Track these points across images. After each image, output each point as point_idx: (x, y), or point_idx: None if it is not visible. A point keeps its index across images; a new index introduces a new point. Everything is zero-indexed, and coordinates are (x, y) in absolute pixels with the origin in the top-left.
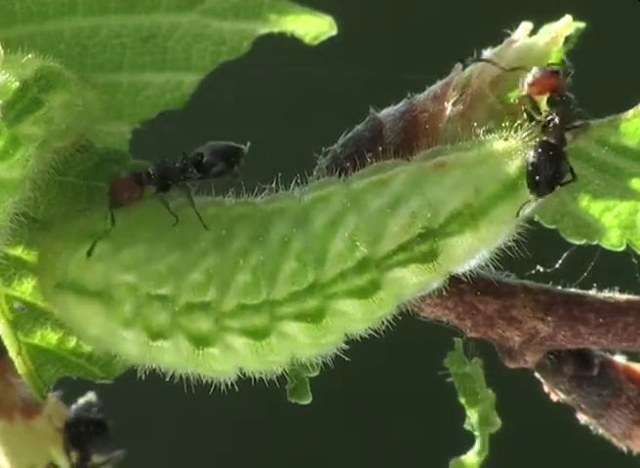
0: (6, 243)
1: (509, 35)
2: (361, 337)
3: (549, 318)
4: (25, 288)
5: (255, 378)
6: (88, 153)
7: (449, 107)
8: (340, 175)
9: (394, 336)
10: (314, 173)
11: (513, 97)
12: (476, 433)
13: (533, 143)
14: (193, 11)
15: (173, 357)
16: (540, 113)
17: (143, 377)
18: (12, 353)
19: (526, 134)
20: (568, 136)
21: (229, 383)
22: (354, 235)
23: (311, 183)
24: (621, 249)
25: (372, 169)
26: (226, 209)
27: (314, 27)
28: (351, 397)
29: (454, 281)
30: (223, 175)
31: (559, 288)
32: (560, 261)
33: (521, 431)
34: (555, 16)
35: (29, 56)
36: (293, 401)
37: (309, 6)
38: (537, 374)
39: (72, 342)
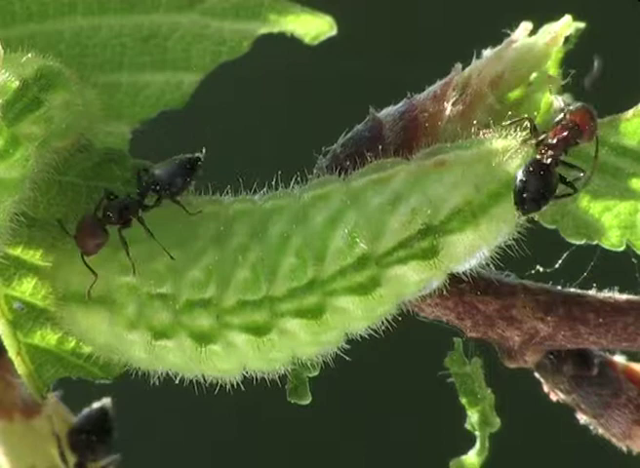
0: (6, 243)
1: (509, 35)
2: (361, 337)
3: (549, 318)
4: (25, 288)
5: (255, 380)
6: (88, 153)
7: (448, 107)
8: (339, 174)
9: (394, 336)
10: (314, 172)
11: (513, 97)
12: (476, 433)
13: (527, 153)
14: (193, 11)
15: (178, 357)
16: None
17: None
18: (11, 353)
19: (525, 133)
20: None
21: (229, 384)
22: (354, 232)
23: (311, 182)
24: (621, 249)
25: (372, 167)
26: (225, 207)
27: (314, 27)
28: (351, 397)
29: (454, 281)
30: (184, 189)
31: (559, 288)
32: (560, 261)
33: (521, 431)
34: (555, 16)
35: (29, 55)
36: (292, 401)
37: (309, 6)
38: (537, 374)
39: (72, 343)
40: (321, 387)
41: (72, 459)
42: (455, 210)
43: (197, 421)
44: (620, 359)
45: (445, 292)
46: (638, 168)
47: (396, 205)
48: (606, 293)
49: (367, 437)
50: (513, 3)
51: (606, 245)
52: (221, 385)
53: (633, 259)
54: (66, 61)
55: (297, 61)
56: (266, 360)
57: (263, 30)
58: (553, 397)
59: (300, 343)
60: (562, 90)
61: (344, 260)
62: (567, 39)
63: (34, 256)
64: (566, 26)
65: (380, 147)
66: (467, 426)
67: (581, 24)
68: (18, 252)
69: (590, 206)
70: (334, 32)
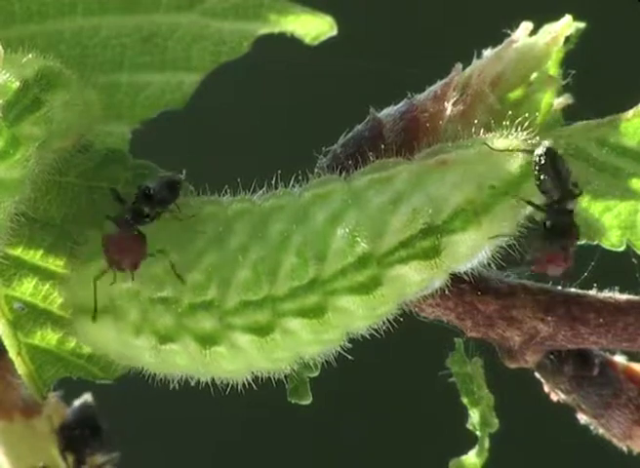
0: (6, 243)
1: (509, 35)
2: (361, 337)
3: (549, 318)
4: (25, 288)
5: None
6: (88, 153)
7: (449, 107)
8: (340, 174)
9: (394, 336)
10: (315, 172)
11: (513, 97)
12: (478, 433)
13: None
14: (193, 11)
15: (185, 359)
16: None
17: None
18: (12, 353)
19: (526, 133)
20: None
21: (229, 386)
22: (355, 231)
23: (311, 181)
24: (621, 249)
25: (373, 167)
26: (223, 207)
27: (314, 27)
28: (351, 397)
29: (455, 281)
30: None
31: (559, 288)
32: None
33: (521, 431)
34: (555, 16)
35: (30, 56)
36: (293, 401)
37: (309, 6)
38: (537, 374)
39: (72, 343)
40: (322, 388)
41: (71, 457)
42: (457, 209)
43: (202, 421)
44: (620, 359)
45: (446, 292)
46: (638, 168)
47: (397, 204)
48: (606, 294)
49: (367, 437)
50: (513, 3)
51: (606, 245)
52: (227, 386)
53: (633, 259)
54: (67, 62)
55: (297, 61)
56: (271, 360)
57: (263, 30)
58: (554, 397)
59: (302, 343)
60: (562, 90)
61: (345, 260)
62: (567, 39)
63: (34, 257)
64: (566, 26)
65: (381, 147)
66: (468, 426)
67: (581, 24)
68: (18, 252)
69: (590, 206)
70: (334, 32)
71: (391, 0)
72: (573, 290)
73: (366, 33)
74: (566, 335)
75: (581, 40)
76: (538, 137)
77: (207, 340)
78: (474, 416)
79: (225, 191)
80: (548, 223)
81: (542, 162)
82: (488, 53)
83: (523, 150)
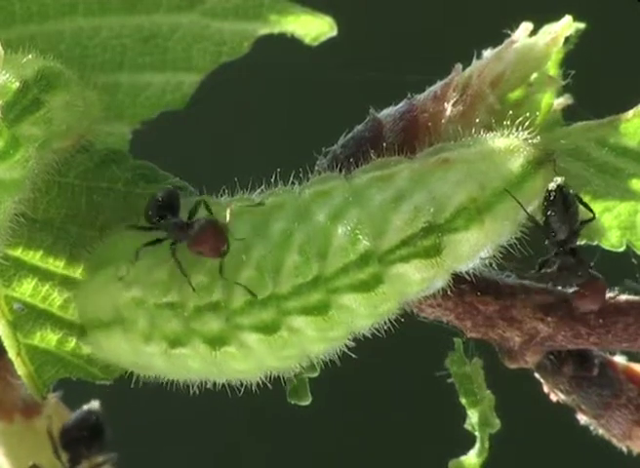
0: (6, 243)
1: (510, 36)
2: (364, 336)
3: (549, 318)
4: (25, 288)
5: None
6: (88, 154)
7: (449, 108)
8: (340, 173)
9: (394, 336)
10: (314, 173)
11: (514, 97)
12: (477, 433)
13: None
14: (194, 11)
15: (196, 362)
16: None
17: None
18: (11, 354)
19: (527, 132)
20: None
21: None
22: (357, 228)
23: (312, 179)
24: (621, 249)
25: (374, 165)
26: (222, 207)
27: (314, 28)
28: (351, 397)
29: (455, 281)
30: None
31: (559, 288)
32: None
33: (521, 431)
34: (555, 16)
35: (30, 56)
36: (292, 402)
37: (309, 6)
38: (537, 375)
39: (72, 343)
40: (322, 388)
41: (65, 456)
42: (459, 207)
43: (207, 422)
44: (620, 359)
45: (449, 292)
46: (638, 168)
47: (399, 202)
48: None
49: (367, 437)
50: (513, 3)
51: (606, 245)
52: (232, 387)
53: (633, 260)
54: (67, 62)
55: (297, 62)
56: (280, 358)
57: (264, 31)
58: (553, 397)
59: (308, 340)
60: (562, 90)
61: (347, 257)
62: (567, 39)
63: (34, 257)
64: (566, 27)
65: (381, 148)
66: (467, 426)
67: (581, 25)
68: (18, 252)
69: (590, 206)
70: (334, 33)
71: (391, 0)
72: (573, 290)
73: (366, 33)
74: (566, 336)
75: (581, 40)
76: (538, 137)
77: (216, 341)
78: (473, 417)
79: (224, 191)
80: (558, 264)
81: (553, 198)
82: (488, 53)
83: (539, 156)
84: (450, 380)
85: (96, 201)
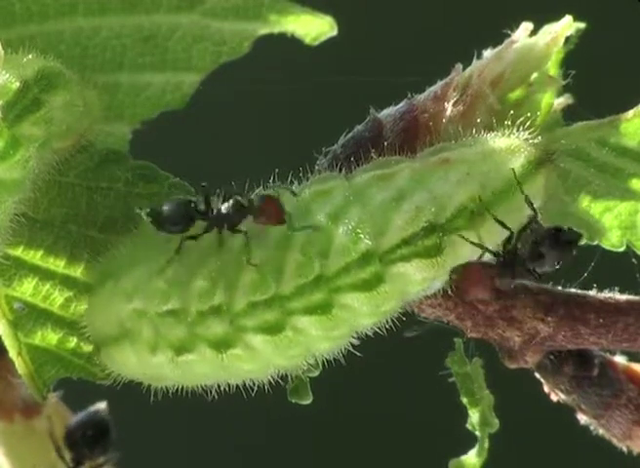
0: (6, 243)
1: (510, 36)
2: (366, 335)
3: (549, 318)
4: (25, 288)
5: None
6: (88, 154)
7: (449, 108)
8: (340, 172)
9: (394, 336)
10: (314, 173)
11: (514, 97)
12: (477, 433)
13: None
14: (193, 11)
15: (204, 367)
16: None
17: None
18: (12, 353)
19: (527, 132)
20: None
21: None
22: (357, 228)
23: (312, 179)
24: (622, 249)
25: (375, 164)
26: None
27: (314, 28)
28: (351, 397)
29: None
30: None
31: (559, 288)
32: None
33: (521, 431)
34: (555, 16)
35: (30, 56)
36: (293, 401)
37: (309, 6)
38: (537, 375)
39: (72, 343)
40: (323, 388)
41: (68, 455)
42: (460, 207)
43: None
44: (620, 359)
45: (449, 292)
46: (638, 168)
47: (400, 202)
48: (606, 294)
49: (366, 437)
50: (513, 3)
51: (606, 245)
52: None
53: (633, 259)
54: (67, 62)
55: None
56: (287, 357)
57: (264, 31)
58: (554, 397)
59: (313, 339)
60: (562, 90)
61: (349, 257)
62: (567, 39)
63: (35, 257)
64: (566, 27)
65: (381, 148)
66: (468, 426)
67: (581, 25)
68: (18, 252)
69: (591, 206)
70: (334, 33)
71: (391, 0)
72: (573, 290)
73: (366, 33)
74: (566, 336)
75: (581, 40)
76: (539, 137)
77: (221, 345)
78: (474, 416)
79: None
80: (503, 259)
81: (547, 234)
82: (488, 53)
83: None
84: (451, 380)
85: (96, 201)
